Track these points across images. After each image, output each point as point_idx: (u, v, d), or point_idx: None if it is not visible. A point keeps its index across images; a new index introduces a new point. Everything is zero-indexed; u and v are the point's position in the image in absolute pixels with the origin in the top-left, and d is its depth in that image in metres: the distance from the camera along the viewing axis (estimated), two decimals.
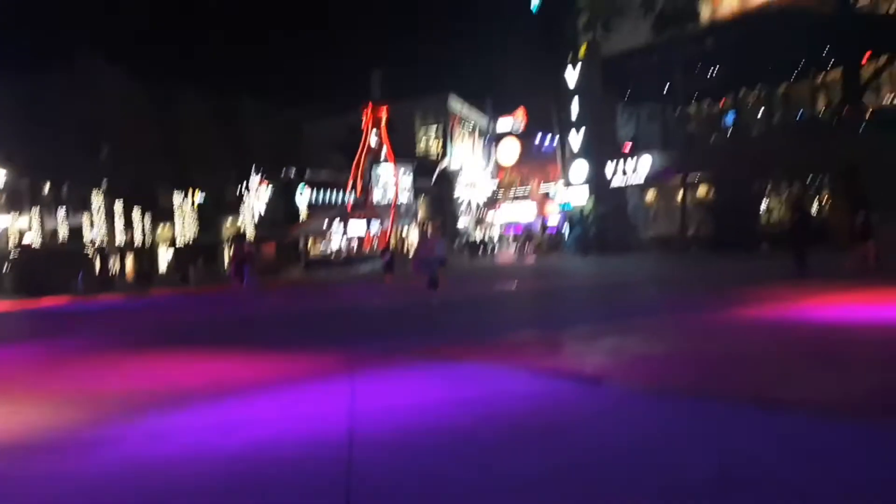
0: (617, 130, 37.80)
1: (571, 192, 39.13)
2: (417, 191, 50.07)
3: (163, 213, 42.94)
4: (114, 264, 43.62)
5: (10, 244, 41.68)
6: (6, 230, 44.68)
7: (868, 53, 31.63)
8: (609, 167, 34.78)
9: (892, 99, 31.61)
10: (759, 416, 5.03)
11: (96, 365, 9.88)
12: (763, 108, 33.66)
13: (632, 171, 34.11)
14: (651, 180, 34.53)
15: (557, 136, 43.86)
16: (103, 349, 11.61)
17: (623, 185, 35.03)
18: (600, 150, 35.77)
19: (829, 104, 33.27)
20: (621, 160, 34.52)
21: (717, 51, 31.41)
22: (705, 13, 36.55)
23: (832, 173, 30.33)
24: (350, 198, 44.14)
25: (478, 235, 59.62)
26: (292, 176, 45.31)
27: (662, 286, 16.67)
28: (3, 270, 42.54)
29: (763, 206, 32.93)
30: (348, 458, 4.55)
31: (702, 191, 34.71)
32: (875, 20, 31.79)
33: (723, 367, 6.81)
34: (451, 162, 57.82)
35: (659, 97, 36.58)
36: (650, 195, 37.59)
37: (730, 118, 35.37)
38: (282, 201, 44.20)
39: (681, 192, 32.44)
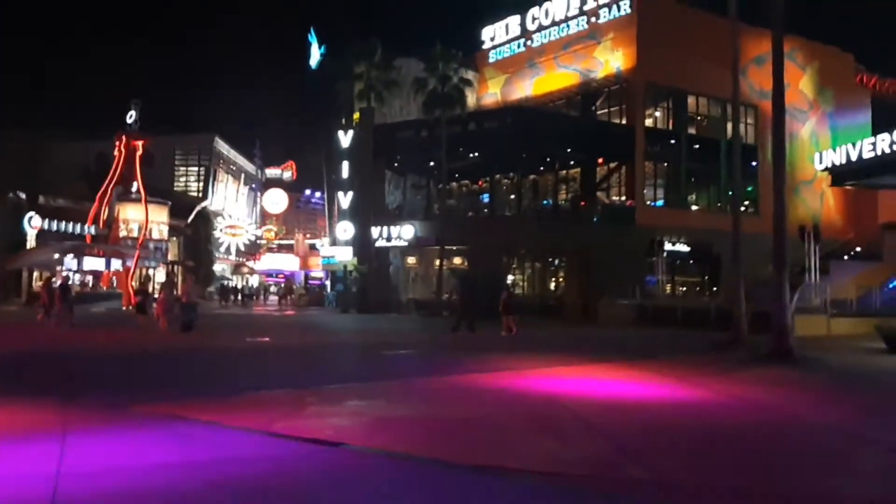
0: (385, 195, 39.03)
1: (337, 248, 39.32)
2: (172, 230, 46.86)
3: None
4: None
5: None
6: None
7: (602, 159, 36.53)
8: (375, 230, 35.64)
9: (620, 198, 36.50)
10: (487, 482, 5.27)
11: None
12: (514, 193, 37.01)
13: (396, 236, 35.31)
14: (413, 246, 35.97)
15: (326, 194, 44.06)
16: None
17: (387, 246, 36.05)
18: (367, 211, 36.59)
19: (569, 196, 37.58)
20: (387, 225, 35.60)
21: (478, 136, 34.17)
22: (471, 100, 39.71)
23: (568, 255, 34.09)
24: (90, 230, 39.92)
25: (237, 282, 57.11)
26: (22, 199, 39.89)
27: (415, 348, 17.15)
28: None
29: (510, 279, 35.86)
30: None
31: (458, 259, 36.87)
32: (609, 128, 36.87)
33: (455, 431, 7.08)
34: (212, 203, 55.20)
35: (424, 170, 38.65)
36: (411, 259, 39.07)
37: (485, 198, 38.34)
38: (7, 227, 38.60)
39: (438, 260, 34.15)
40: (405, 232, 35.27)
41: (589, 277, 31.71)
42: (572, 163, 36.93)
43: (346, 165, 37.92)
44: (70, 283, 23.69)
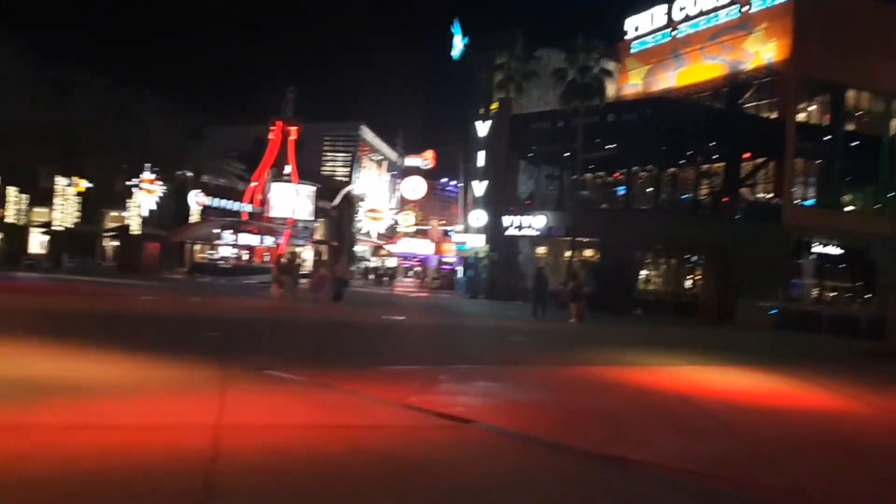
0: (518, 185, 39.28)
1: (469, 235, 40.10)
2: (318, 211, 49.67)
3: (42, 196, 40.32)
4: None
5: None
6: None
7: (748, 154, 34.76)
8: (507, 219, 36.01)
9: (765, 195, 34.66)
10: (613, 472, 5.48)
11: None
12: (651, 186, 36.05)
13: (527, 225, 35.48)
14: (544, 236, 36.02)
15: (462, 182, 44.93)
16: None
17: (518, 235, 36.34)
18: (500, 200, 37.01)
19: (711, 191, 36.08)
20: (519, 214, 35.86)
21: (616, 127, 33.49)
22: (611, 91, 38.96)
23: (706, 253, 32.82)
24: (246, 208, 43.14)
25: (375, 263, 59.64)
26: (188, 177, 43.85)
27: (541, 336, 17.39)
28: None
29: (642, 275, 35.04)
30: (210, 471, 4.59)
31: (588, 252, 36.51)
32: (757, 122, 35.01)
33: (581, 420, 7.29)
34: (356, 188, 57.85)
35: (558, 161, 38.43)
36: (541, 249, 39.13)
37: (621, 190, 37.60)
38: (174, 202, 42.58)
39: (569, 251, 34.00)
40: (536, 222, 35.36)
41: (727, 276, 30.40)
42: (715, 157, 35.38)
43: (481, 155, 38.50)
44: (296, 260, 26.79)
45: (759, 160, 34.83)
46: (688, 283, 35.70)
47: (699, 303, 31.69)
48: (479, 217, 38.44)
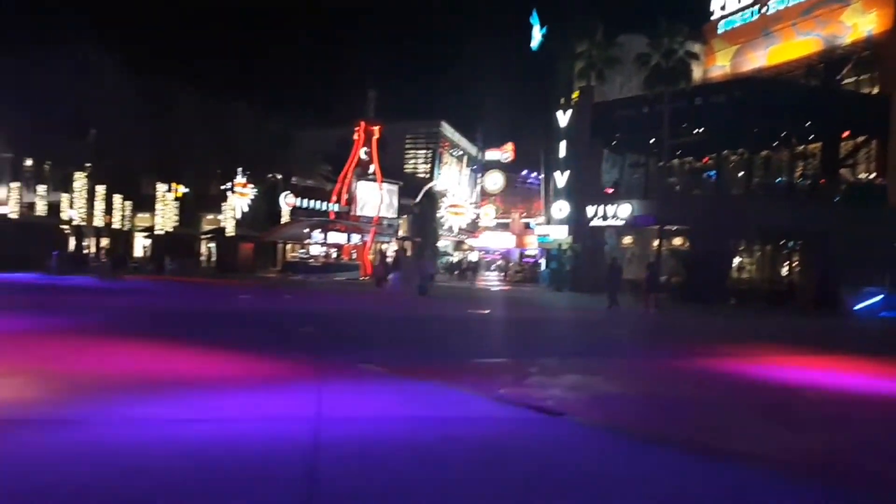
0: (601, 174, 38.58)
1: (552, 227, 39.73)
2: (401, 208, 50.46)
3: (144, 202, 42.76)
4: (89, 245, 43.27)
5: None
6: None
7: (847, 133, 32.89)
8: (590, 209, 35.44)
9: (867, 175, 32.76)
10: (708, 465, 5.39)
11: (70, 345, 10.02)
12: (743, 170, 34.66)
13: (612, 215, 34.81)
14: (630, 225, 35.26)
15: (543, 173, 44.58)
16: (79, 331, 11.72)
17: (602, 225, 35.72)
18: (583, 191, 36.45)
19: (807, 173, 34.37)
20: (603, 204, 35.22)
21: (703, 110, 32.36)
22: (697, 73, 37.67)
23: (804, 238, 31.30)
24: (334, 208, 44.32)
25: (457, 257, 60.07)
26: (278, 179, 45.47)
27: (629, 329, 17.12)
28: None
29: (735, 263, 33.75)
30: (313, 461, 4.82)
31: (678, 241, 35.48)
32: (857, 99, 33.07)
33: (676, 412, 7.18)
34: (437, 184, 58.42)
35: (643, 148, 37.48)
36: (628, 239, 38.32)
37: (711, 175, 36.34)
38: (264, 203, 44.24)
39: (657, 241, 33.15)
40: (622, 211, 34.62)
41: (827, 263, 28.90)
42: (811, 137, 33.64)
43: (563, 145, 38.04)
44: (397, 254, 28.34)
45: (860, 139, 32.91)
46: (784, 271, 34.18)
47: (797, 291, 30.29)
48: (561, 208, 38.02)
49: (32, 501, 3.92)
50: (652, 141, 34.74)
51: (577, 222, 36.61)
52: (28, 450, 4.89)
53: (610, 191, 37.47)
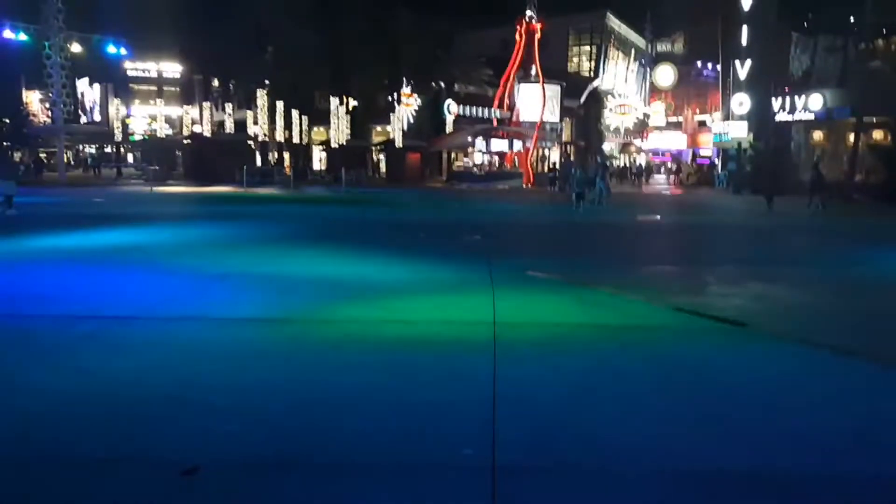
0: (789, 62, 34.90)
1: (730, 124, 36.98)
2: (564, 111, 48.99)
3: (318, 116, 45.00)
4: (272, 159, 46.68)
5: (184, 132, 45.55)
6: (180, 119, 48.74)
7: None
8: (775, 102, 32.40)
9: None
10: None
11: (268, 252, 11.06)
12: None
13: (801, 108, 31.61)
14: (821, 119, 31.92)
15: (720, 65, 41.13)
16: (275, 238, 12.91)
17: (789, 120, 32.63)
18: (767, 81, 33.33)
19: None
20: (790, 96, 32.04)
21: None
22: None
23: None
24: (496, 114, 44.02)
25: (623, 161, 57.84)
26: (442, 88, 45.74)
27: (814, 234, 15.84)
28: (178, 157, 46.75)
29: None
30: (493, 364, 5.06)
31: (878, 135, 31.69)
32: None
33: (870, 324, 6.67)
34: (603, 82, 55.81)
35: (841, 28, 33.13)
36: (818, 135, 34.82)
37: None
38: (429, 113, 44.86)
39: (853, 135, 29.79)
40: (812, 102, 31.37)
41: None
42: None
43: (745, 30, 34.67)
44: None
45: None
46: None
47: None
48: (741, 102, 35.15)
49: (252, 389, 4.49)
50: (851, 19, 30.64)
51: (759, 117, 33.78)
52: (251, 345, 5.57)
53: (800, 80, 33.94)
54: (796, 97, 31.91)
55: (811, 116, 31.75)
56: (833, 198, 23.88)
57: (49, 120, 45.22)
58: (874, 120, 30.44)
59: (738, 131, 35.77)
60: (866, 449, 3.71)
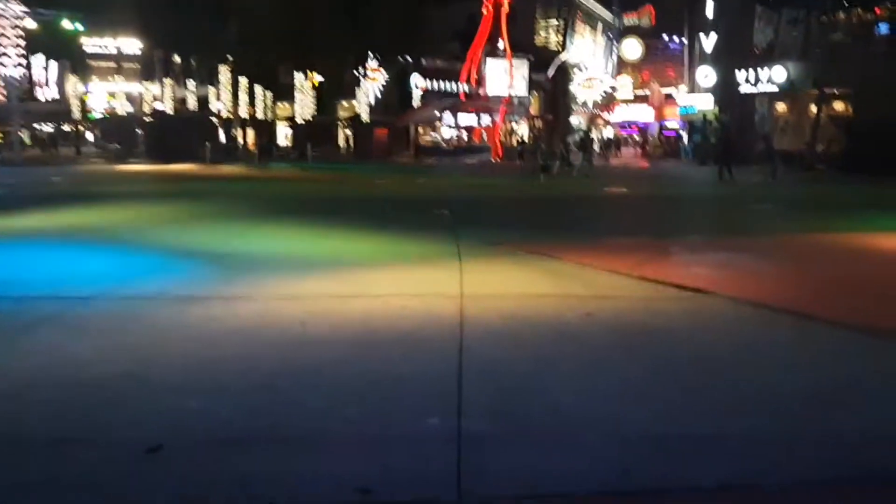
0: (753, 35, 35.19)
1: (696, 96, 37.31)
2: (532, 84, 48.90)
3: (283, 92, 44.33)
4: (236, 136, 45.96)
5: (145, 109, 44.56)
6: (141, 96, 47.65)
7: None
8: (740, 74, 32.71)
9: None
10: (861, 345, 5.14)
11: (236, 230, 10.92)
12: None
13: (765, 80, 31.96)
14: (784, 91, 32.33)
15: (686, 37, 41.33)
16: (237, 215, 12.73)
17: (753, 92, 32.99)
18: (732, 54, 33.60)
19: None
20: (754, 68, 32.34)
21: None
22: None
23: None
24: (464, 88, 43.80)
25: (592, 134, 58.00)
26: (408, 62, 45.31)
27: (781, 202, 16.12)
28: (140, 134, 45.74)
29: None
30: (460, 335, 5.08)
31: (839, 106, 32.20)
32: None
33: (832, 290, 6.82)
34: (570, 56, 55.77)
35: (803, 1, 33.48)
36: (781, 106, 35.27)
37: (883, 28, 32.07)
38: (396, 88, 44.48)
39: (814, 106, 30.24)
40: (776, 74, 31.75)
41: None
42: None
43: (709, 3, 34.89)
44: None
45: None
46: None
47: None
48: (706, 75, 35.45)
49: (216, 366, 4.45)
50: None
51: (723, 89, 34.12)
52: (215, 322, 5.50)
53: (763, 53, 34.27)
54: (760, 69, 32.24)
55: (775, 88, 32.14)
56: (795, 167, 24.31)
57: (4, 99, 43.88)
58: (835, 91, 30.89)
59: (704, 103, 36.11)
60: (820, 408, 3.81)
